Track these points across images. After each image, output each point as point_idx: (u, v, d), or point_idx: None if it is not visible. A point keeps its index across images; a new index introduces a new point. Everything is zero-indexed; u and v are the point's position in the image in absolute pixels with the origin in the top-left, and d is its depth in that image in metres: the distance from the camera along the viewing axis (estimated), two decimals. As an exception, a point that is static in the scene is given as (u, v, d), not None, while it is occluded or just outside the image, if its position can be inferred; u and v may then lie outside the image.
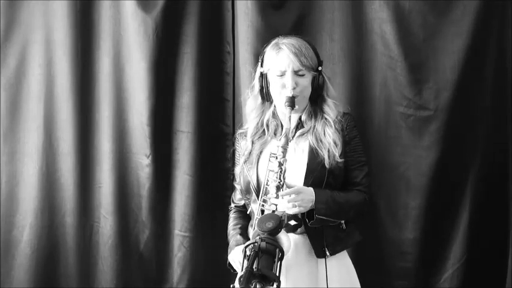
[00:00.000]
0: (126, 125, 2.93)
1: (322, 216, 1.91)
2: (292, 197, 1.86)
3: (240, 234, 2.08)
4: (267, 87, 2.03)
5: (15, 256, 2.99)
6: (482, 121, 2.66)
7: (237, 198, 2.20)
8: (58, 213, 2.98)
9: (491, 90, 2.66)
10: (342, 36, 2.74)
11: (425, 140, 2.67)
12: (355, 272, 2.08)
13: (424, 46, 2.66)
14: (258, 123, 2.09)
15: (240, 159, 2.12)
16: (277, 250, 1.67)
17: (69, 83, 2.93)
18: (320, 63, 2.03)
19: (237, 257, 1.98)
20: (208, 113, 2.88)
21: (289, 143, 1.91)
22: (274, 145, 1.96)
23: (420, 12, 2.65)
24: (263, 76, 2.03)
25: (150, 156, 2.87)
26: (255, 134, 2.09)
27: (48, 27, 2.97)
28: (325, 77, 2.05)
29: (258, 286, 1.60)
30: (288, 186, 1.91)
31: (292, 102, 1.94)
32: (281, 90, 1.98)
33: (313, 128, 2.01)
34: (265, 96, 2.05)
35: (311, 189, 1.91)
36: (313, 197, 1.89)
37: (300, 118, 2.05)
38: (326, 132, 1.99)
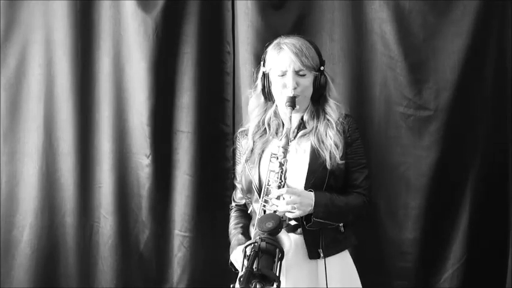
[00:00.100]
0: (126, 125, 2.93)
1: (320, 219, 1.91)
2: (292, 198, 1.86)
3: (242, 234, 2.07)
4: (269, 86, 2.03)
5: (15, 256, 2.99)
6: (482, 121, 2.66)
7: (238, 197, 2.19)
8: (58, 213, 2.98)
9: (491, 90, 2.66)
10: (342, 36, 2.74)
11: (425, 140, 2.67)
12: (356, 272, 2.07)
13: (424, 46, 2.66)
14: (259, 122, 2.09)
15: (241, 158, 2.12)
16: (277, 250, 1.67)
17: (69, 83, 2.93)
18: (322, 63, 2.03)
19: (239, 257, 1.96)
20: (208, 113, 2.88)
21: (291, 143, 1.91)
22: (276, 145, 1.95)
23: (420, 12, 2.65)
24: (265, 76, 2.03)
25: (150, 156, 2.87)
26: (256, 132, 2.09)
27: (48, 27, 2.96)
28: (328, 77, 2.04)
29: (258, 286, 1.60)
30: (289, 187, 1.90)
31: (293, 102, 1.93)
32: (282, 90, 1.98)
33: (316, 129, 2.01)
34: (267, 95, 2.05)
35: (311, 193, 1.91)
36: (313, 202, 1.89)
37: (302, 118, 2.05)
38: (328, 134, 1.98)
